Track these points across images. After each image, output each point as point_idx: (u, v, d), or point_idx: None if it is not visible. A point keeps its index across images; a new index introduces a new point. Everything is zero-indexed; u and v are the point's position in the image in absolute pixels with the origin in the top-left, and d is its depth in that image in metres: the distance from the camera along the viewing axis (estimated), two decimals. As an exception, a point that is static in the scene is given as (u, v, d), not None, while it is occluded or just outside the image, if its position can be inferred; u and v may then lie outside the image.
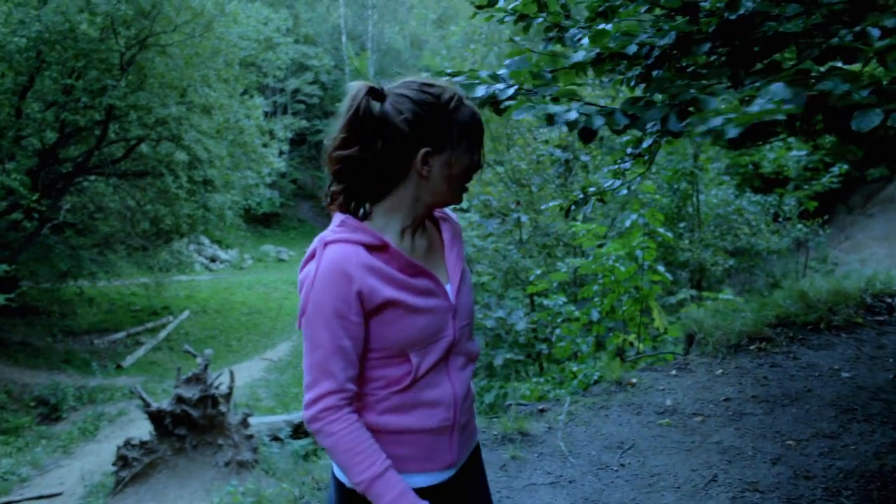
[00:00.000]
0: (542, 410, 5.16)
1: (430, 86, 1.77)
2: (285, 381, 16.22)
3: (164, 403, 10.35)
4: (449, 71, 3.09)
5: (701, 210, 13.65)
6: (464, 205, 10.74)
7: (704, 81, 2.63)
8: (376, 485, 1.71)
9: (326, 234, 1.76)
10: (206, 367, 10.75)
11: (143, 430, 11.04)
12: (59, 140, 17.81)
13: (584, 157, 12.06)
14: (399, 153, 1.74)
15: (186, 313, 21.93)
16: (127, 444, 10.26)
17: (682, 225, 13.60)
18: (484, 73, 2.96)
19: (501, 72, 2.94)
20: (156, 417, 10.22)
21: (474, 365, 1.99)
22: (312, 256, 1.76)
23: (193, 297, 24.28)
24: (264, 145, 21.02)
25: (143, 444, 10.22)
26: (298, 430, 11.22)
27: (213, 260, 31.39)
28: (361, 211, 1.83)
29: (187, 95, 18.04)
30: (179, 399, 10.30)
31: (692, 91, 2.44)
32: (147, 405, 10.27)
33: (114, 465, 10.23)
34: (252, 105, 20.28)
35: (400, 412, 1.81)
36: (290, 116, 37.88)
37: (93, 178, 19.90)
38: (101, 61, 16.16)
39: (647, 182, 8.62)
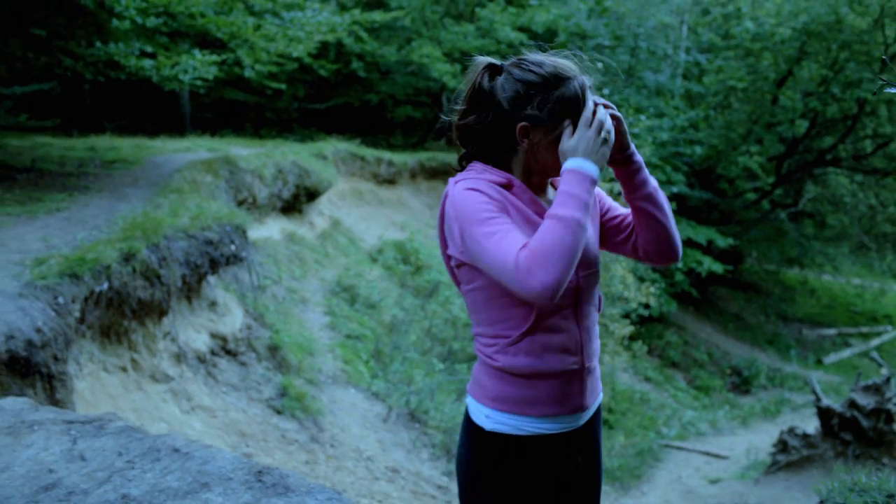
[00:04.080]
0: None
1: (536, 64, 1.87)
2: None
3: (836, 404, 10.09)
4: None
5: None
6: None
7: None
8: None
9: (455, 177, 1.93)
10: (888, 379, 10.08)
11: (814, 424, 10.95)
12: (808, 130, 18.18)
13: None
14: (503, 126, 1.88)
15: (907, 326, 20.37)
16: (790, 431, 10.36)
17: None
18: None
19: None
20: (824, 415, 10.03)
21: (598, 313, 2.04)
22: (446, 197, 1.89)
23: (923, 310, 22.31)
24: None
25: (805, 436, 10.18)
26: None
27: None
28: None
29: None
30: (852, 404, 9.91)
31: None
32: (818, 400, 10.16)
33: (774, 446, 10.45)
34: None
35: (531, 355, 1.89)
36: None
37: (837, 171, 19.75)
38: (862, 54, 15.87)
39: None
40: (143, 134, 14.97)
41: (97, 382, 5.02)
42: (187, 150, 12.00)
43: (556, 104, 1.85)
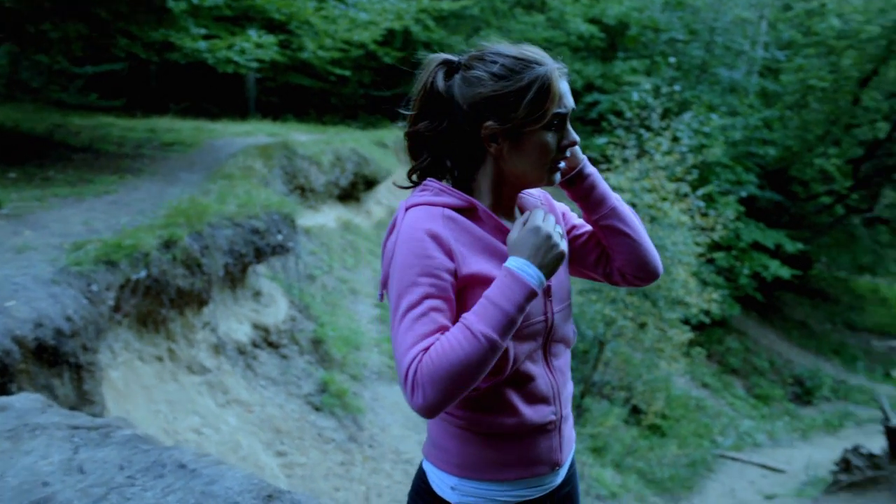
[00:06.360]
0: None
1: (497, 54, 1.57)
2: None
3: (906, 424, 9.59)
4: None
5: None
6: None
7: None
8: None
9: (408, 199, 1.62)
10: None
11: (880, 443, 10.42)
12: (889, 132, 17.38)
13: None
14: (463, 132, 1.58)
15: None
16: (855, 450, 9.88)
17: None
18: None
19: None
20: (893, 435, 9.54)
21: (570, 352, 1.78)
22: (394, 227, 1.58)
23: None
24: None
25: (870, 456, 9.69)
26: None
27: None
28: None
29: None
30: (925, 425, 9.42)
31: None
32: (886, 419, 9.68)
33: (836, 464, 9.99)
34: None
35: (503, 409, 1.59)
36: None
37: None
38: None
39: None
40: (205, 117, 15.04)
41: (131, 372, 4.92)
42: (247, 135, 11.97)
43: (523, 96, 1.53)
